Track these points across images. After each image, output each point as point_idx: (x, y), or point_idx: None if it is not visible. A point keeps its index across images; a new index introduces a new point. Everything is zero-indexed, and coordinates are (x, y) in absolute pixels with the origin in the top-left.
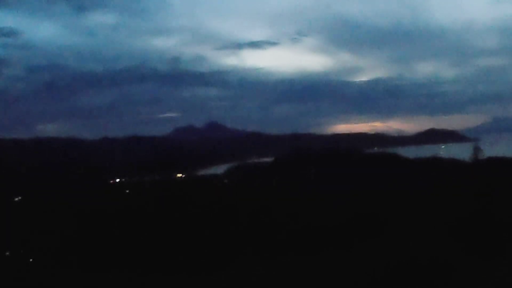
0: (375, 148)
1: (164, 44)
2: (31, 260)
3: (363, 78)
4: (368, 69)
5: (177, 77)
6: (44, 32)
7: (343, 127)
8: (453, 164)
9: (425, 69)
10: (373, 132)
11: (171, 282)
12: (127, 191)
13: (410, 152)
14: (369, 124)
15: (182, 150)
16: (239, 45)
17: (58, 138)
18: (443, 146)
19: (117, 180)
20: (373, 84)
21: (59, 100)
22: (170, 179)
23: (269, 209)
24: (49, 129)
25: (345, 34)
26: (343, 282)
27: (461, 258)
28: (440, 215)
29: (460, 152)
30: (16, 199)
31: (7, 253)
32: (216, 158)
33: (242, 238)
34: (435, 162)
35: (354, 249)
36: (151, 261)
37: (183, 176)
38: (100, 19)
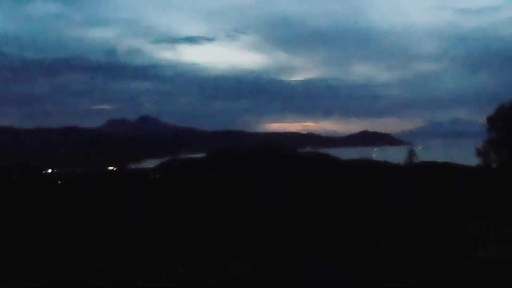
0: (307, 148)
1: (102, 36)
2: None
3: (298, 77)
4: (304, 69)
5: (113, 69)
6: None
7: (276, 126)
8: (385, 166)
9: (361, 72)
10: (305, 132)
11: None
12: (59, 182)
13: (342, 153)
14: (302, 124)
15: (115, 143)
16: (175, 40)
17: None
18: (375, 149)
19: (50, 170)
20: (308, 84)
21: None
22: (102, 171)
23: (200, 205)
24: None
25: (282, 33)
26: (278, 284)
27: (398, 261)
28: (369, 217)
29: (393, 155)
30: None
31: None
32: (148, 152)
33: (173, 234)
34: (367, 164)
35: (284, 249)
36: (79, 254)
37: (115, 169)
38: (41, 8)
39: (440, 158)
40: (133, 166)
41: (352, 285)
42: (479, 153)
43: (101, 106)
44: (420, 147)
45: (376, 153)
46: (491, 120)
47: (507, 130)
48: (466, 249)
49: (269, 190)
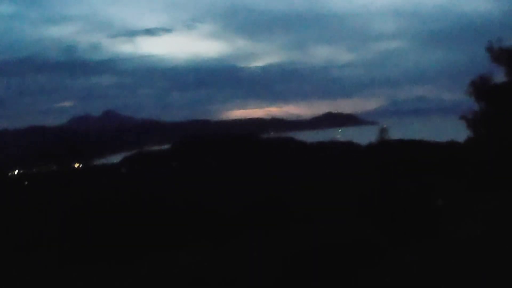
0: (272, 133)
1: (60, 33)
2: None
3: (258, 63)
4: (264, 55)
5: (73, 65)
6: None
7: (239, 113)
8: (350, 147)
9: (321, 54)
10: (269, 117)
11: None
12: (26, 182)
13: (307, 136)
14: (265, 109)
15: (79, 140)
16: (133, 32)
17: None
18: (340, 130)
19: (16, 172)
20: (269, 69)
21: None
22: (68, 169)
23: (168, 197)
24: None
25: (241, 20)
26: (253, 270)
27: (378, 242)
28: (341, 198)
29: (358, 135)
30: None
31: None
32: (113, 147)
33: (142, 228)
34: (332, 145)
35: (261, 236)
36: (51, 254)
37: (81, 165)
38: None
39: (406, 136)
40: (99, 162)
41: (320, 268)
42: (469, 124)
43: (63, 104)
44: (385, 126)
45: (341, 134)
46: (475, 90)
47: (494, 100)
48: (437, 227)
49: (234, 179)
